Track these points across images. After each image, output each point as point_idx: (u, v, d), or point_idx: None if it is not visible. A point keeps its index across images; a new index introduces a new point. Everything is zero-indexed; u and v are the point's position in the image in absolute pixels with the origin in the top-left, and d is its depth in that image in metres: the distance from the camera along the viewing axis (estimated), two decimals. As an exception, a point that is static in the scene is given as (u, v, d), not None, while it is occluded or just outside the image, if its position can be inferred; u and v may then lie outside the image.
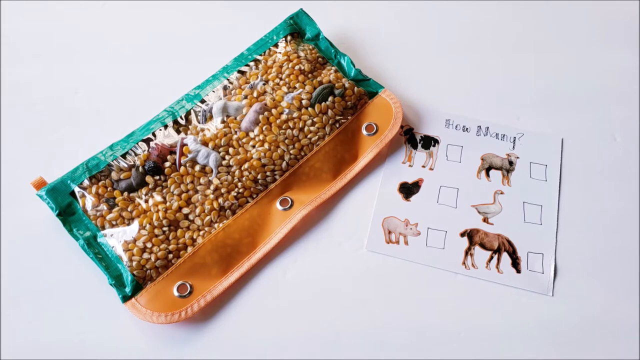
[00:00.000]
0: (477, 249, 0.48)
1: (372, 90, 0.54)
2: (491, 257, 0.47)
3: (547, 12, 0.61)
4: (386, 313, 0.45)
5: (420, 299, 0.46)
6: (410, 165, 0.52)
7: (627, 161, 0.52)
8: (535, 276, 0.47)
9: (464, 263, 0.47)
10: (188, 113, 0.51)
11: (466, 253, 0.48)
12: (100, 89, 0.56)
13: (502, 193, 0.50)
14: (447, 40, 0.59)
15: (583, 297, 0.46)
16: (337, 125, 0.51)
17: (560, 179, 0.51)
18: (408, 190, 0.51)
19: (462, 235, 0.48)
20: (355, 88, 0.53)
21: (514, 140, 0.53)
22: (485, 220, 0.49)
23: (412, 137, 0.53)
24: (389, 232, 0.49)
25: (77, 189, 0.47)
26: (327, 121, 0.51)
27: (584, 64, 0.58)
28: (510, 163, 0.52)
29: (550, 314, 0.45)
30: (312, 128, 0.50)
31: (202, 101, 0.52)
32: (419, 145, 0.53)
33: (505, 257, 0.47)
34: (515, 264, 0.47)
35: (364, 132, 0.52)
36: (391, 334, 0.44)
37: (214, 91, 0.52)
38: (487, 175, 0.51)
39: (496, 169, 0.51)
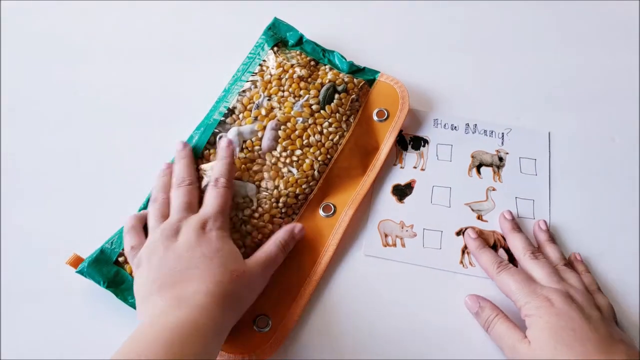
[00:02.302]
0: (474, 247, 0.48)
1: (370, 77, 0.54)
2: (488, 254, 0.48)
3: (544, 12, 0.61)
4: (387, 316, 0.45)
5: (420, 301, 0.46)
6: (401, 167, 0.52)
7: (623, 158, 0.52)
8: (532, 270, 0.47)
9: (461, 262, 0.47)
10: (204, 150, 0.50)
11: (463, 252, 0.48)
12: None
13: (494, 190, 0.51)
14: (432, 39, 0.59)
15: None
16: (351, 120, 0.51)
17: (549, 173, 0.51)
18: (401, 192, 0.51)
19: (458, 234, 0.49)
20: (355, 79, 0.52)
21: (502, 136, 0.53)
22: (479, 217, 0.49)
23: (402, 138, 0.53)
24: (386, 235, 0.49)
25: (120, 257, 0.46)
26: (340, 119, 0.50)
27: (583, 64, 0.58)
28: (500, 159, 0.52)
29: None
30: (330, 129, 0.50)
31: (214, 134, 0.50)
32: (409, 146, 0.53)
33: (501, 253, 0.48)
34: (512, 259, 0.47)
35: (376, 119, 0.52)
36: (392, 338, 0.44)
37: (220, 121, 0.50)
38: (478, 172, 0.52)
39: (487, 165, 0.52)
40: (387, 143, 0.51)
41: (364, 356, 0.44)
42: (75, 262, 0.45)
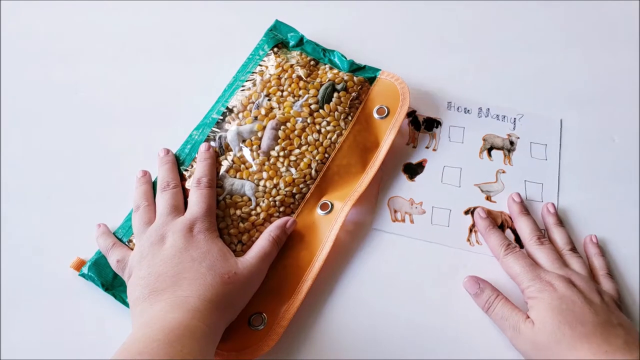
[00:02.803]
0: (481, 226, 0.49)
1: (371, 75, 0.54)
2: (495, 234, 0.48)
3: (547, 12, 0.62)
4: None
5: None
6: (414, 146, 0.53)
7: (625, 156, 0.53)
8: (538, 251, 0.48)
9: (468, 240, 0.48)
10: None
11: (470, 230, 0.49)
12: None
13: (503, 172, 0.51)
14: (442, 33, 0.60)
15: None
16: (350, 118, 0.51)
17: (559, 158, 0.52)
18: (412, 170, 0.52)
19: (466, 213, 0.50)
20: (355, 78, 0.52)
21: (514, 121, 0.54)
22: (488, 198, 0.50)
23: (415, 120, 0.54)
24: (395, 211, 0.50)
25: None
26: (339, 117, 0.50)
27: (582, 64, 0.58)
28: (511, 143, 0.53)
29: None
30: (328, 128, 0.50)
31: (212, 132, 0.51)
32: (422, 127, 0.54)
33: (508, 233, 0.48)
34: (519, 240, 0.48)
35: (376, 116, 0.52)
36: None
37: (218, 121, 0.51)
38: (489, 155, 0.52)
39: (497, 149, 0.53)
40: (387, 140, 0.51)
41: (363, 346, 0.44)
42: (78, 265, 0.46)
